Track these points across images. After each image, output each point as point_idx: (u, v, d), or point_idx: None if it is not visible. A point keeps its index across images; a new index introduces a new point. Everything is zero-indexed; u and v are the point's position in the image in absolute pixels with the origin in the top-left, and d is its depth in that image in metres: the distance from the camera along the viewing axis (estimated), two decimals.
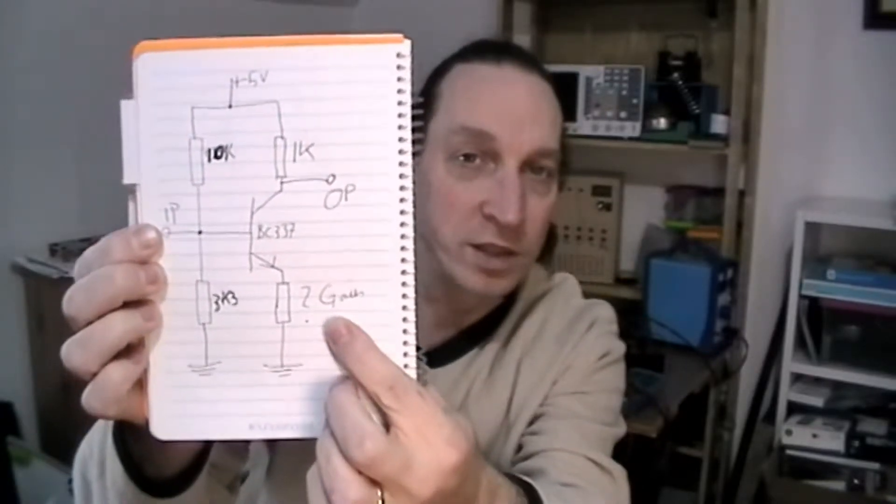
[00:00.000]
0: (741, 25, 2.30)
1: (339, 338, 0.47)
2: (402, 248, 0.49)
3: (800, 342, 2.25)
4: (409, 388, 0.46)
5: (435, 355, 0.90)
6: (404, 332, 0.49)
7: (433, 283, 0.87)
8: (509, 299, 0.94)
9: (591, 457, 0.83)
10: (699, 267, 2.30)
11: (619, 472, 0.86)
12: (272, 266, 0.49)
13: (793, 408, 2.27)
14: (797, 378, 2.28)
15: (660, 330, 2.31)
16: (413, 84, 0.49)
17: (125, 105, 0.51)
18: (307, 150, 0.49)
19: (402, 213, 0.49)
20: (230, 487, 0.87)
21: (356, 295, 0.49)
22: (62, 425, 2.24)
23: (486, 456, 0.76)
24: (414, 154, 0.79)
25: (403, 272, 0.49)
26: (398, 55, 0.48)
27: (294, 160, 0.49)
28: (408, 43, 0.49)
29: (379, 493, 0.46)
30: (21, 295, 2.28)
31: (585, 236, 2.62)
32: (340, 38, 0.49)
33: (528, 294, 0.96)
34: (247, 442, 0.90)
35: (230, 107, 0.49)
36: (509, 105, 0.81)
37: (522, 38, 2.78)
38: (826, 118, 2.39)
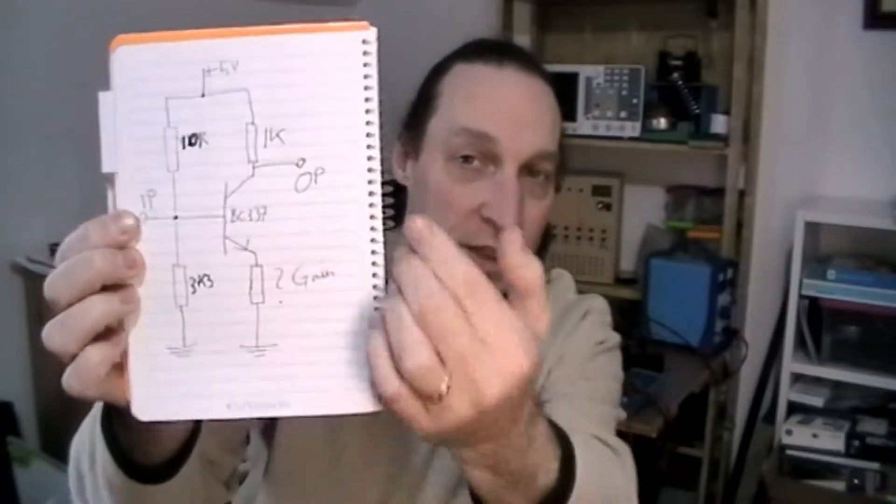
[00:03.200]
0: (741, 25, 2.30)
1: (422, 237, 0.46)
2: (372, 229, 0.50)
3: (800, 342, 2.25)
4: (488, 290, 0.46)
5: None
6: (375, 310, 0.49)
7: None
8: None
9: (596, 434, 0.83)
10: (699, 267, 2.30)
11: (624, 448, 0.86)
12: (246, 249, 0.50)
13: (793, 408, 2.27)
14: (797, 378, 2.28)
15: (660, 330, 2.31)
16: (380, 70, 0.50)
17: (103, 97, 0.52)
18: (277, 135, 0.50)
19: (370, 194, 0.50)
20: (227, 485, 0.87)
21: (327, 275, 0.50)
22: (62, 425, 2.24)
23: None
24: (411, 153, 0.78)
25: (373, 252, 0.50)
26: (364, 41, 0.50)
27: (265, 145, 0.50)
28: (374, 30, 0.50)
29: (446, 379, 0.44)
30: (21, 295, 2.28)
31: (585, 236, 2.62)
32: (308, 27, 0.51)
33: None
34: (245, 439, 0.91)
35: (203, 96, 0.51)
36: (510, 108, 0.81)
37: (522, 38, 2.77)
38: (826, 118, 2.39)
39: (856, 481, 2.08)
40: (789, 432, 2.20)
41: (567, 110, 2.42)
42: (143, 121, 0.51)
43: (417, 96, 0.89)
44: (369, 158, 0.49)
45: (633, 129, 2.41)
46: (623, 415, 0.94)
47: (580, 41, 2.73)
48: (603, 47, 2.69)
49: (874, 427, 2.15)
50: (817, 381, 2.27)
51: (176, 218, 0.50)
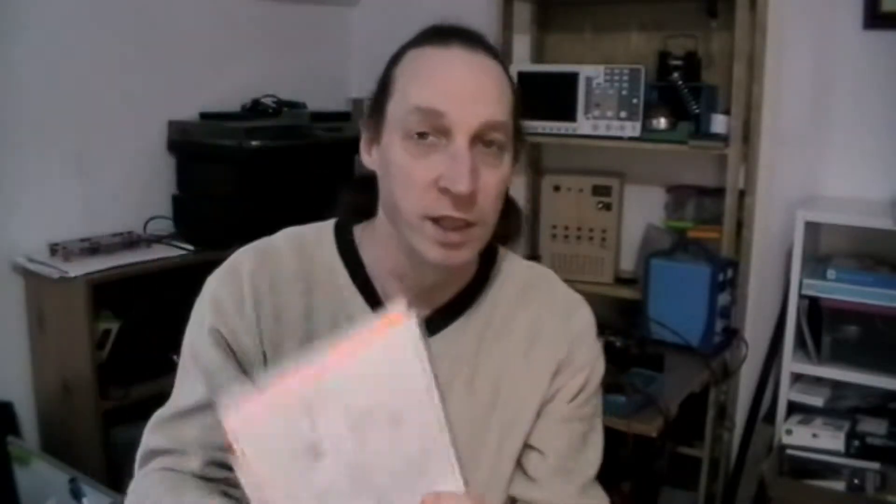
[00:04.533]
0: (741, 25, 2.30)
1: None
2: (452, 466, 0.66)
3: (800, 342, 2.25)
4: None
5: None
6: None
7: (400, 260, 0.93)
8: (480, 279, 1.00)
9: None
10: (699, 267, 2.30)
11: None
12: None
13: (793, 408, 2.27)
14: (797, 378, 2.28)
15: (660, 330, 2.31)
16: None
17: (237, 459, 0.63)
18: (375, 427, 0.64)
19: (447, 441, 0.65)
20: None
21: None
22: (62, 425, 2.24)
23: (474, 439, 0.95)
24: (374, 138, 0.91)
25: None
26: (412, 327, 0.62)
27: (367, 440, 0.64)
28: (413, 317, 0.63)
29: None
30: (21, 295, 2.28)
31: (585, 236, 2.62)
32: (368, 334, 0.63)
33: (506, 278, 1.02)
34: None
35: (313, 425, 0.63)
36: (456, 84, 0.86)
37: (522, 38, 2.78)
38: (826, 118, 2.39)
39: (856, 481, 2.08)
40: (789, 432, 2.20)
41: (567, 110, 2.46)
42: (277, 463, 0.63)
43: (377, 85, 0.94)
44: (438, 412, 0.65)
45: (633, 129, 2.41)
46: (599, 458, 1.04)
47: (580, 41, 2.74)
48: (603, 47, 2.69)
49: (874, 427, 2.15)
50: (817, 381, 2.27)
51: None
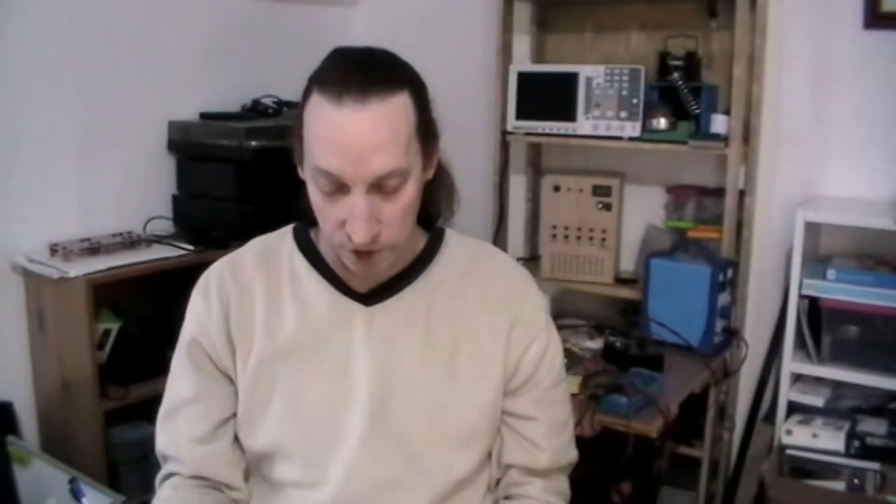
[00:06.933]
0: (741, 25, 2.30)
1: None
2: None
3: (800, 342, 2.25)
4: None
5: (370, 297, 1.11)
6: None
7: (337, 259, 1.08)
8: (426, 255, 1.15)
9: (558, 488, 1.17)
10: (699, 267, 2.30)
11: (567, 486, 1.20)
12: None
13: (793, 408, 2.27)
14: (797, 378, 2.28)
15: (660, 330, 2.31)
16: None
17: None
18: None
19: None
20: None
21: None
22: (62, 425, 2.24)
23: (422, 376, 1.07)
24: (300, 158, 1.04)
25: None
26: None
27: None
28: None
29: None
30: (21, 295, 2.28)
31: (585, 236, 2.62)
32: None
33: (455, 250, 1.17)
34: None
35: None
36: (348, 145, 0.95)
37: (522, 38, 2.77)
38: (826, 118, 2.39)
39: (856, 481, 2.08)
40: (789, 432, 2.20)
41: (567, 110, 2.46)
42: None
43: (298, 114, 1.03)
44: None
45: (633, 129, 2.41)
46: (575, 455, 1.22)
47: (580, 41, 2.73)
48: (603, 47, 2.69)
49: (874, 427, 2.15)
50: (817, 381, 2.27)
51: None
